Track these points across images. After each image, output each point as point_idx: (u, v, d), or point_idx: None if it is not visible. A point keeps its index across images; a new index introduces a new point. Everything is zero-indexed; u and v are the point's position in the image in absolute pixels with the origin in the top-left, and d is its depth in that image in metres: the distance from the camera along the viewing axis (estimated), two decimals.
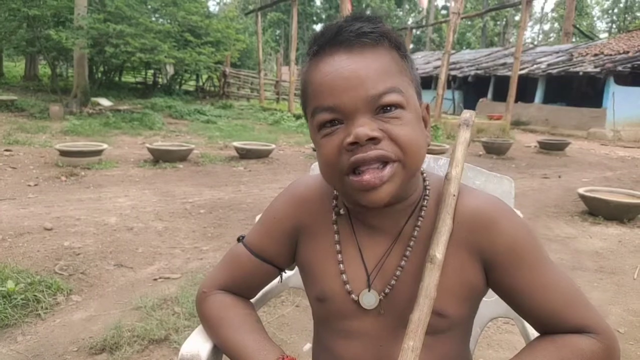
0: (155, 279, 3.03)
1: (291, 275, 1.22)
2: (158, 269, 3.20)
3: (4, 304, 2.44)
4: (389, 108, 0.69)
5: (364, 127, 0.68)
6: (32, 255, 3.26)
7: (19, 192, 4.94)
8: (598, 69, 14.83)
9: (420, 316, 0.71)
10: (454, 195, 0.77)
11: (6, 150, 7.04)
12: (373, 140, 0.68)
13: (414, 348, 0.69)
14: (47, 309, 2.53)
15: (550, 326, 0.77)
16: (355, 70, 0.69)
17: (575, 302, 0.76)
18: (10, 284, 2.56)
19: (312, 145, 8.86)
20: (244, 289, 0.92)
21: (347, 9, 10.68)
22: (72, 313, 2.54)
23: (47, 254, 3.30)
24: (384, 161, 0.69)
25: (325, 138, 0.72)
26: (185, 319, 2.47)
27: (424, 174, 0.84)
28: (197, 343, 0.88)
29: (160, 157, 6.95)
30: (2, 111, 11.02)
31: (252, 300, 0.96)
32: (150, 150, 7.08)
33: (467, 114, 0.87)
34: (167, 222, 4.23)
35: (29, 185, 5.23)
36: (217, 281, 0.92)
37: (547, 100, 17.11)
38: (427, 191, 0.82)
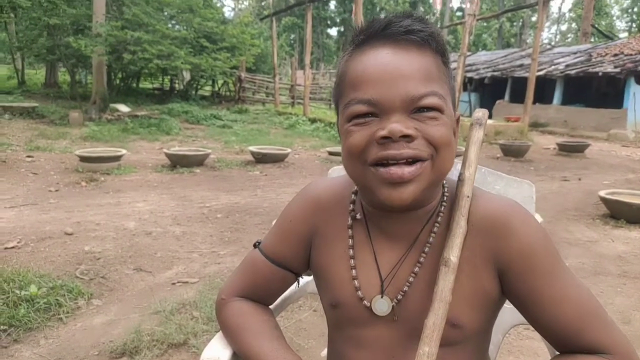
0: (173, 283, 3.05)
1: (309, 280, 1.22)
2: (176, 273, 3.23)
3: (27, 308, 2.48)
4: (426, 109, 0.68)
5: (399, 124, 0.66)
6: (53, 260, 3.32)
7: (40, 197, 5.04)
8: (618, 69, 14.57)
9: (435, 321, 0.69)
10: (468, 197, 0.76)
11: (28, 156, 7.19)
12: (406, 137, 0.67)
13: (430, 354, 0.68)
14: (68, 312, 2.57)
15: (564, 342, 0.73)
16: (399, 67, 0.68)
17: (593, 316, 0.72)
18: (33, 288, 2.61)
19: (327, 149, 8.90)
20: (262, 295, 0.92)
21: (359, 13, 10.65)
22: (92, 317, 2.57)
23: (68, 259, 3.35)
24: (416, 161, 0.68)
25: (355, 127, 0.70)
26: (204, 324, 2.48)
27: (445, 182, 0.82)
28: (218, 349, 0.88)
29: (177, 162, 7.02)
30: (24, 118, 11.26)
31: (271, 307, 0.96)
32: (168, 156, 7.16)
33: (479, 112, 0.86)
34: (184, 227, 4.26)
35: (50, 191, 5.32)
36: (236, 288, 0.92)
37: (565, 101, 16.85)
38: (445, 197, 0.80)
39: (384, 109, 0.68)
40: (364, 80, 0.69)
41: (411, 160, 0.68)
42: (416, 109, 0.68)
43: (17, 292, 2.58)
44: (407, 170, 0.67)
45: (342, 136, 0.74)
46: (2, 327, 2.33)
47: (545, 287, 0.72)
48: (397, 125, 0.66)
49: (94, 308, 2.68)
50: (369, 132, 0.69)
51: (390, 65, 0.68)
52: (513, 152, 9.58)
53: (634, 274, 3.45)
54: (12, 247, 3.51)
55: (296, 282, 0.94)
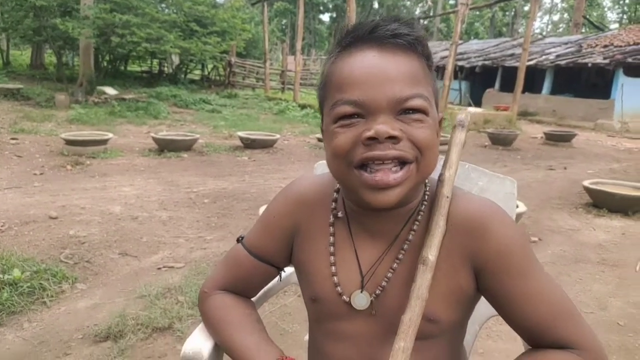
0: (159, 268, 3.06)
1: (292, 272, 1.23)
2: (162, 258, 3.23)
3: (11, 292, 2.48)
4: (411, 111, 0.69)
5: (385, 125, 0.67)
6: (37, 244, 3.30)
7: (24, 180, 4.99)
8: (607, 61, 14.66)
9: (411, 317, 0.71)
10: (447, 197, 0.77)
11: (12, 138, 7.10)
12: (392, 139, 0.68)
13: (405, 349, 0.70)
14: (52, 296, 2.57)
15: (536, 338, 0.76)
16: (385, 69, 0.69)
17: (564, 314, 0.75)
18: (16, 272, 2.60)
19: (317, 135, 8.89)
20: (244, 288, 0.94)
21: (352, 2, 10.56)
22: (77, 301, 2.58)
23: (52, 243, 3.34)
24: (402, 162, 0.69)
25: (341, 129, 0.71)
26: (189, 308, 2.50)
27: (427, 182, 0.83)
28: (200, 341, 0.90)
29: (165, 147, 6.98)
30: (8, 99, 11.08)
31: (253, 299, 0.97)
32: (155, 140, 7.11)
33: (462, 114, 0.87)
34: (171, 212, 4.26)
35: (35, 174, 5.27)
36: (218, 281, 0.93)
37: (554, 91, 16.94)
38: (426, 196, 0.81)
39: (370, 110, 0.69)
40: (350, 81, 0.70)
41: (400, 164, 0.69)
42: (402, 110, 0.69)
43: (0, 275, 2.57)
44: (392, 177, 0.69)
45: (326, 138, 0.75)
46: None
47: (520, 286, 0.74)
48: (383, 126, 0.67)
49: (78, 292, 2.68)
50: (355, 133, 0.70)
51: (376, 67, 0.69)
52: (501, 141, 9.65)
53: (613, 262, 3.53)
54: None
55: (278, 276, 0.95)
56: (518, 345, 0.90)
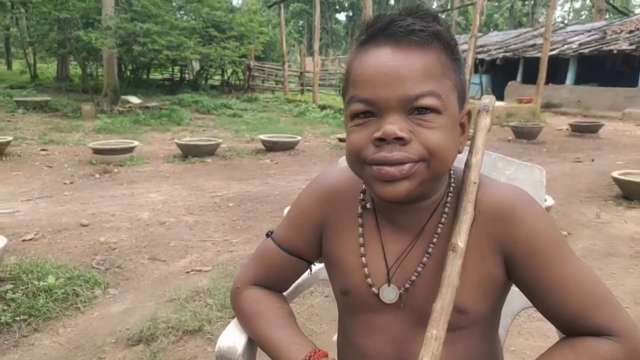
0: (187, 272, 3.11)
1: (320, 268, 1.24)
2: (190, 261, 3.29)
3: (46, 298, 2.56)
4: (423, 110, 0.69)
5: (394, 126, 0.67)
6: (70, 251, 3.39)
7: (55, 190, 5.13)
8: (633, 47, 14.26)
9: (443, 305, 0.71)
10: (475, 183, 0.76)
11: (42, 149, 7.30)
12: (400, 140, 0.68)
13: (437, 337, 0.69)
14: (85, 302, 2.64)
15: (571, 326, 0.74)
16: (397, 67, 0.68)
17: (598, 299, 0.73)
18: (51, 279, 2.68)
19: (337, 135, 8.89)
20: (275, 283, 0.95)
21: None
22: (109, 306, 2.64)
23: (84, 249, 3.43)
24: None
25: (355, 127, 0.72)
26: (218, 311, 2.54)
27: (452, 171, 0.82)
28: (233, 336, 0.91)
29: (189, 152, 7.08)
30: (37, 112, 11.41)
31: (284, 294, 0.98)
32: (179, 146, 7.22)
33: (486, 99, 0.86)
34: (197, 216, 4.32)
35: (65, 183, 5.42)
36: (250, 276, 0.94)
37: (579, 81, 16.56)
38: (451, 188, 0.81)
39: (380, 109, 0.69)
40: (363, 79, 0.71)
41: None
42: (413, 109, 0.69)
43: (36, 282, 2.65)
44: (397, 170, 0.68)
45: (346, 132, 0.76)
46: (22, 317, 2.41)
47: (551, 271, 0.73)
48: (391, 127, 0.67)
49: (110, 297, 2.75)
50: (367, 133, 0.70)
51: (388, 66, 0.69)
52: (525, 134, 9.47)
53: None
54: (30, 239, 3.60)
55: (308, 270, 0.96)
56: (550, 342, 0.88)
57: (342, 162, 1.21)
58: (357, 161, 0.73)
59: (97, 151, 6.57)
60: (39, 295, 2.57)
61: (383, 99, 0.68)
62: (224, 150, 7.64)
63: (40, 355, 2.18)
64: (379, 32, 0.71)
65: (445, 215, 0.79)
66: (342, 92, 0.79)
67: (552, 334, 0.79)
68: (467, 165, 0.79)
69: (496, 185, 0.80)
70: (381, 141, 0.68)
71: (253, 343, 0.91)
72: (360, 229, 0.84)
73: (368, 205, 0.84)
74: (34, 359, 2.15)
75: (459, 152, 0.76)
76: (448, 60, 0.72)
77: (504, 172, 1.16)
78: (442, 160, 0.71)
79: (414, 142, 0.68)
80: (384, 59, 0.69)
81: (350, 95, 0.73)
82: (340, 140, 8.44)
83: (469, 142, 0.82)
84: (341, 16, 49.25)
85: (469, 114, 0.79)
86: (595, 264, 3.26)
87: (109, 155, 6.54)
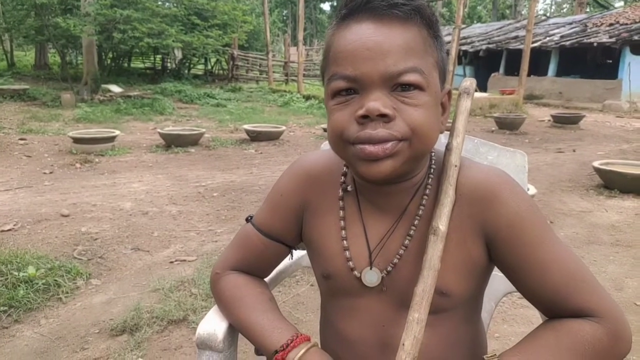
0: (171, 262, 3.07)
1: (303, 254, 1.22)
2: (174, 251, 3.25)
3: (27, 289, 2.50)
4: (406, 87, 0.67)
5: (377, 102, 0.66)
6: (50, 242, 3.33)
7: (35, 180, 5.02)
8: (613, 39, 14.48)
9: (424, 288, 0.70)
10: (456, 166, 0.76)
11: (21, 139, 7.14)
12: (384, 117, 0.66)
13: (419, 320, 0.69)
14: (67, 293, 2.59)
15: (552, 308, 0.74)
16: (379, 42, 0.66)
17: (580, 281, 0.72)
18: (31, 270, 2.63)
19: (322, 125, 8.87)
20: (256, 268, 0.93)
21: None
22: (92, 296, 2.60)
23: (65, 240, 3.36)
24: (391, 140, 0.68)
25: (337, 106, 0.70)
26: (202, 300, 2.51)
27: (432, 153, 0.81)
28: (214, 322, 0.89)
29: (172, 142, 6.99)
30: (15, 100, 11.13)
31: (266, 280, 0.96)
32: (162, 136, 7.12)
33: (467, 81, 0.85)
34: (181, 206, 4.27)
35: (45, 173, 5.30)
36: (230, 262, 0.92)
37: (560, 73, 16.76)
38: (432, 169, 0.80)
39: (363, 85, 0.68)
40: (344, 55, 0.68)
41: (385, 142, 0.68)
42: (397, 85, 0.67)
43: (16, 273, 2.59)
44: (380, 148, 0.67)
45: (327, 113, 0.74)
46: (2, 308, 2.35)
47: (533, 254, 0.72)
48: (374, 103, 0.66)
49: (92, 288, 2.70)
50: (350, 111, 0.69)
51: (370, 41, 0.67)
52: (508, 125, 9.58)
53: (627, 243, 3.50)
54: (9, 230, 3.51)
55: (289, 255, 0.94)
56: (533, 328, 0.88)
57: (324, 146, 1.19)
58: (341, 141, 0.71)
59: (77, 140, 6.43)
60: (19, 286, 2.52)
61: (366, 75, 0.67)
62: (208, 140, 7.56)
63: (21, 346, 2.13)
64: (360, 6, 0.69)
65: (426, 197, 0.78)
66: (322, 70, 0.77)
67: (536, 320, 0.79)
68: (448, 148, 0.78)
69: (477, 167, 0.79)
70: (365, 118, 0.67)
71: (234, 329, 0.89)
72: (341, 212, 0.82)
73: (349, 188, 0.82)
74: (15, 350, 2.11)
75: (441, 132, 0.74)
76: (429, 36, 0.71)
77: (487, 157, 1.16)
78: (425, 139, 0.70)
79: (397, 120, 0.67)
80: (366, 34, 0.67)
81: (331, 72, 0.70)
82: (325, 130, 8.41)
83: (449, 124, 0.81)
84: (325, 6, 48.94)
85: (449, 93, 0.78)
86: (577, 252, 3.31)
87: (90, 145, 6.42)
